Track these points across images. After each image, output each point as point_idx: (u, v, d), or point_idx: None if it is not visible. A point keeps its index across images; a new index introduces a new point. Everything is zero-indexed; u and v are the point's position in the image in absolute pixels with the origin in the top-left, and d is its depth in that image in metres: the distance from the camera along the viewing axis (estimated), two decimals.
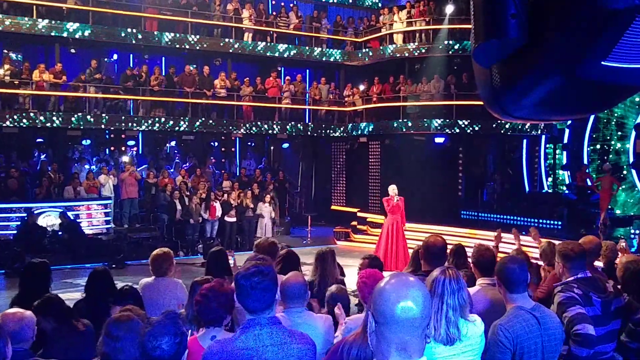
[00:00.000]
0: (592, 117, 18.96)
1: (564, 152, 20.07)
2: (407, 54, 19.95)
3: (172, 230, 16.57)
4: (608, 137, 19.22)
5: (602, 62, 2.54)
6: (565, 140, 19.87)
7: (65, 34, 16.81)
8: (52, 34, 16.68)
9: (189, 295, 4.43)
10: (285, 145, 22.08)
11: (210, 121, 18.67)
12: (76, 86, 17.06)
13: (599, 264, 5.56)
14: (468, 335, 3.04)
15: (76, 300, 5.13)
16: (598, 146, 19.40)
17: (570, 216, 15.60)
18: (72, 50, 18.00)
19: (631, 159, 18.03)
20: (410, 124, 19.02)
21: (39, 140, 19.05)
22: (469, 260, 5.37)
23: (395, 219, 13.61)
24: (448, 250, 5.55)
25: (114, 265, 13.58)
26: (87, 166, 18.81)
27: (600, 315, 3.62)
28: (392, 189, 13.70)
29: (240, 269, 2.79)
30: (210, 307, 3.37)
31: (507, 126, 18.35)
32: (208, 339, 3.28)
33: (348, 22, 21.99)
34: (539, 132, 19.43)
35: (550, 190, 20.13)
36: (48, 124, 16.41)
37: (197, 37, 18.80)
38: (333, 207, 21.57)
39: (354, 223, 18.89)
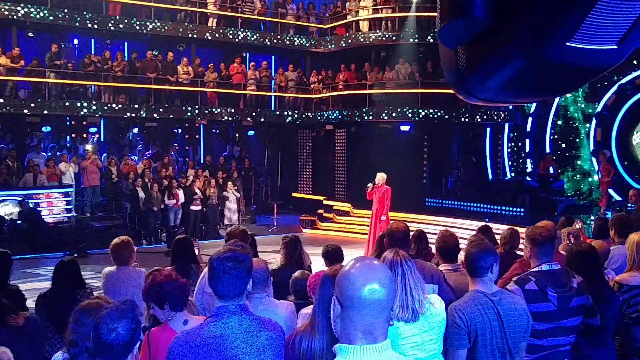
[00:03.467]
0: (554, 106, 19.25)
1: (527, 140, 20.35)
2: (372, 42, 19.92)
3: (135, 219, 16.33)
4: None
5: (567, 43, 2.54)
6: (529, 129, 20.14)
7: (22, 17, 16.31)
8: (9, 16, 16.16)
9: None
10: (251, 132, 21.89)
11: (174, 107, 18.39)
12: (35, 71, 16.61)
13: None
14: (428, 312, 3.11)
15: (36, 289, 5.02)
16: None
17: (533, 203, 15.83)
18: (30, 34, 17.45)
19: (592, 147, 18.38)
20: (376, 112, 19.04)
21: None
22: (429, 246, 5.43)
23: (374, 208, 13.14)
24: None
25: (75, 255, 13.30)
26: (45, 153, 18.31)
27: (554, 311, 3.63)
28: (377, 176, 13.10)
29: (215, 252, 2.76)
30: (165, 290, 3.37)
31: (470, 114, 18.52)
32: (180, 324, 3.32)
33: (310, 8, 21.84)
34: (502, 120, 19.65)
35: (513, 178, 20.40)
36: (5, 110, 15.95)
37: (161, 22, 18.46)
38: (295, 194, 21.50)
39: (320, 211, 18.89)
